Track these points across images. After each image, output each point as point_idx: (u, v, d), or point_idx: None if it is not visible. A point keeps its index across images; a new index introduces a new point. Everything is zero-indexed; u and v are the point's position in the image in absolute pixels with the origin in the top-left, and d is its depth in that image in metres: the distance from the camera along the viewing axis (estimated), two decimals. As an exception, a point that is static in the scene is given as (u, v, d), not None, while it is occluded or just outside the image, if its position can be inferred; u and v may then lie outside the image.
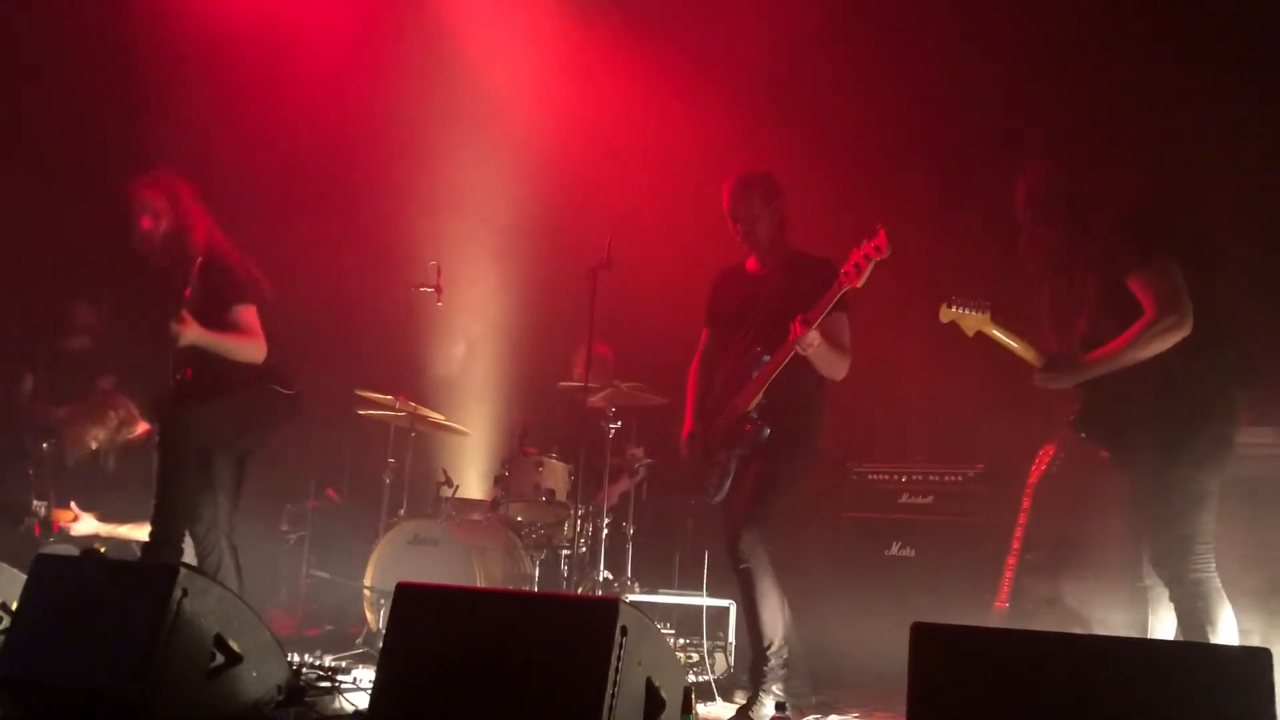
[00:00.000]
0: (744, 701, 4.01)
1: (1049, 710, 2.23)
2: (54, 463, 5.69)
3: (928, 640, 2.35)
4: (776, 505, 4.03)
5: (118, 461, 5.57)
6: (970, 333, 3.58)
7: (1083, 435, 3.72)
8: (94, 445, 5.51)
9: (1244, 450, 3.56)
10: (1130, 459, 3.56)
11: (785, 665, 3.96)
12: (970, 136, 5.52)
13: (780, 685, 3.91)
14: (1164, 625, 3.53)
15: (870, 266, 3.73)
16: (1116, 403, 3.52)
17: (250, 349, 4.15)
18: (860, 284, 3.77)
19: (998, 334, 3.56)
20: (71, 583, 3.29)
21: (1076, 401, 3.68)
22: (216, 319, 4.10)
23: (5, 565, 3.83)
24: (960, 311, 3.55)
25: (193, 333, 3.99)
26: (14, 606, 3.57)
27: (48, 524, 5.44)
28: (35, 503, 5.46)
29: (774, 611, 3.97)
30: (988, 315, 3.54)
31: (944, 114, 5.66)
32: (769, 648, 3.92)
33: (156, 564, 3.82)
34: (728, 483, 4.11)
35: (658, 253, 5.81)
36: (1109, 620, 4.04)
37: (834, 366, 4.03)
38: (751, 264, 4.31)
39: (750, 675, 4.01)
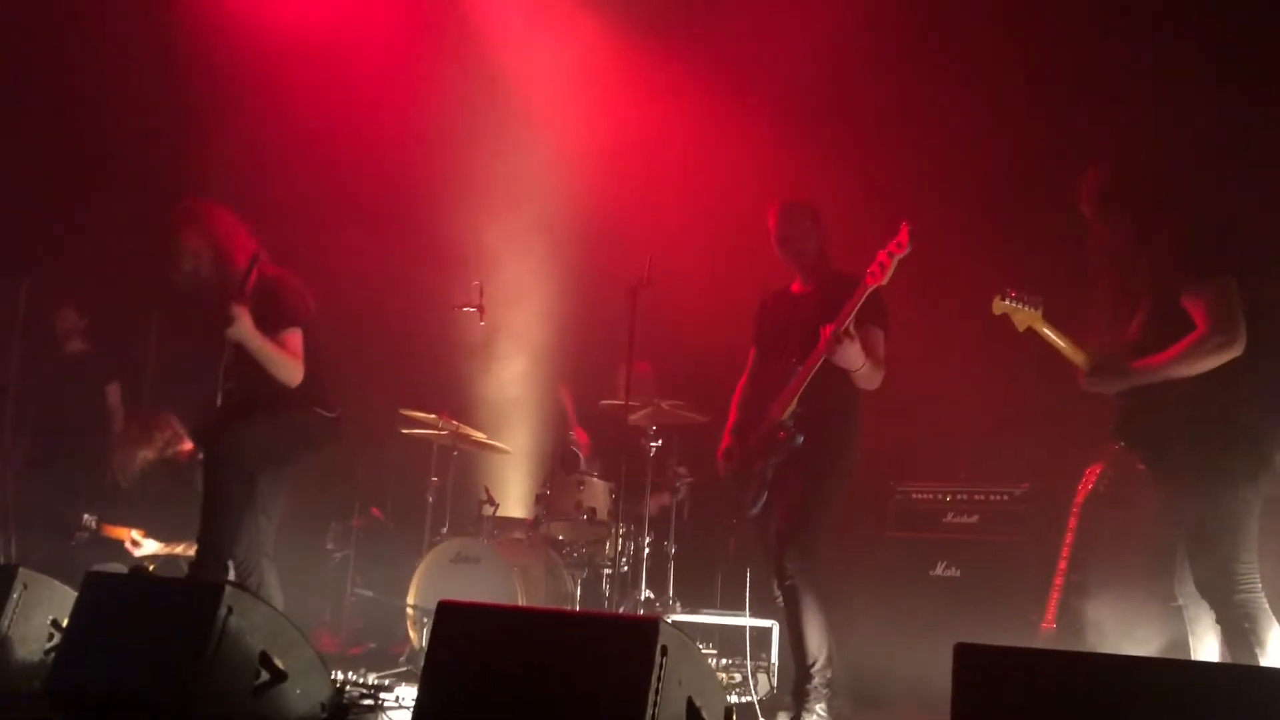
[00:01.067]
0: None
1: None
2: (103, 480, 5.80)
3: (972, 661, 2.31)
4: (820, 518, 4.02)
5: (166, 480, 5.66)
6: (1021, 328, 3.55)
7: (1121, 444, 3.67)
8: (148, 460, 5.61)
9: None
10: (1168, 474, 3.51)
11: (829, 685, 3.92)
12: (1017, 147, 5.46)
13: (824, 705, 3.88)
14: (1206, 647, 3.47)
15: (893, 264, 3.78)
16: (1158, 415, 3.46)
17: (290, 369, 4.18)
18: (884, 281, 3.81)
19: (1048, 332, 3.53)
20: (120, 600, 3.35)
21: (1115, 410, 3.62)
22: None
23: (56, 582, 3.91)
24: (1014, 305, 3.52)
25: (245, 327, 4.02)
26: (64, 622, 3.65)
27: (97, 539, 5.53)
28: (85, 517, 5.55)
29: (819, 629, 3.94)
30: (1040, 312, 3.51)
31: (991, 124, 5.60)
32: (813, 665, 3.90)
33: (203, 582, 3.87)
34: (765, 494, 4.12)
35: (699, 271, 5.82)
36: (1151, 643, 3.97)
37: (866, 374, 4.02)
38: (796, 285, 4.38)
39: (794, 694, 3.98)
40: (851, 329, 3.84)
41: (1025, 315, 3.53)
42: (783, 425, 4.05)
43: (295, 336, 4.21)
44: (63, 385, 6.33)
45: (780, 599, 4.13)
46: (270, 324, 4.16)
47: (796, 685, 3.95)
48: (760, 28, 6.22)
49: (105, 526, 5.59)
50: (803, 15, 5.96)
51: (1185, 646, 3.48)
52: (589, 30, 6.60)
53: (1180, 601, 3.49)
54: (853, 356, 3.88)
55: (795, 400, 4.02)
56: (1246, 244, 3.54)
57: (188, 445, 5.68)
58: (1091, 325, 3.58)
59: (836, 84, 5.94)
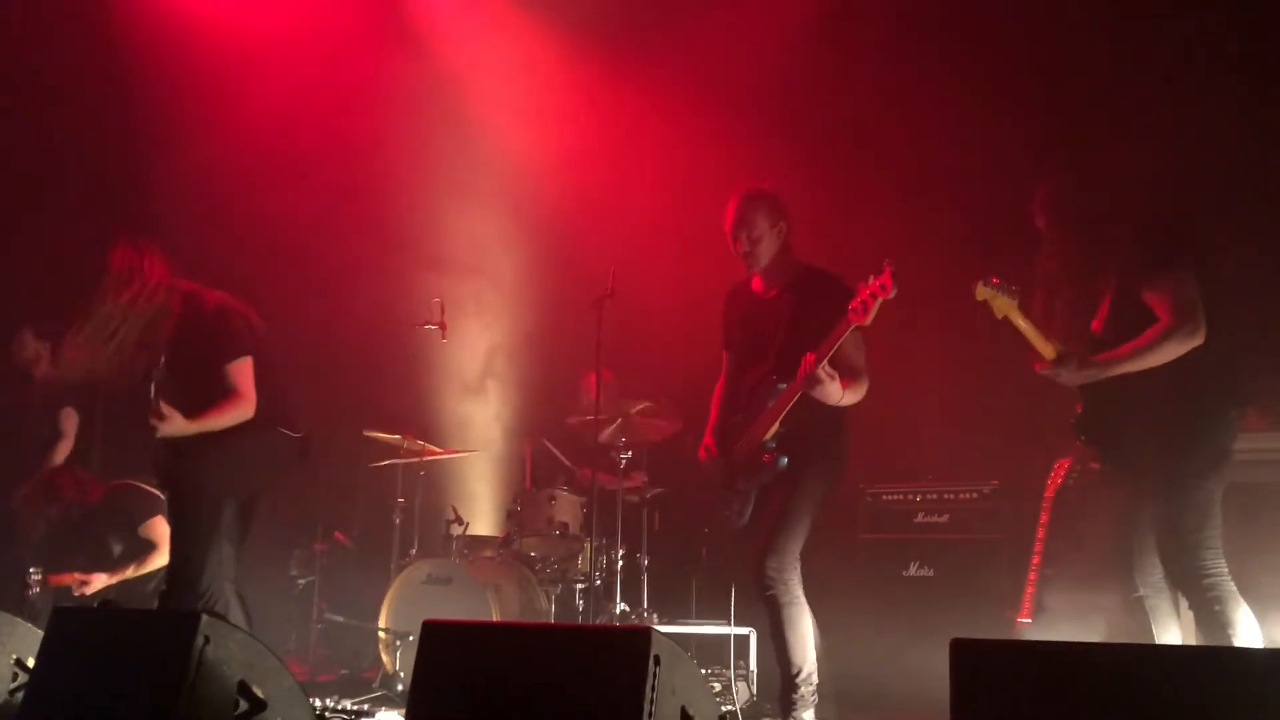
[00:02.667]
0: None
1: (1093, 722, 2.19)
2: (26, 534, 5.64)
3: (969, 657, 2.31)
4: (800, 529, 3.95)
5: (86, 520, 5.53)
6: (999, 315, 3.60)
7: (1081, 438, 3.78)
8: (49, 523, 5.49)
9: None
10: (1128, 467, 3.61)
11: (816, 693, 3.91)
12: (979, 150, 5.52)
13: (811, 713, 3.86)
14: (1169, 636, 3.56)
15: (876, 305, 3.65)
16: (1118, 409, 3.57)
17: (237, 413, 4.05)
18: (868, 322, 3.69)
19: (1022, 322, 3.59)
20: (91, 635, 3.24)
21: (1078, 404, 3.72)
22: (208, 379, 4.04)
23: (19, 620, 3.78)
24: (995, 291, 3.57)
25: (175, 426, 3.93)
26: (30, 662, 3.54)
27: (48, 590, 5.38)
28: (31, 571, 5.38)
29: (802, 637, 3.90)
30: (1016, 301, 3.57)
31: (953, 128, 5.65)
32: (797, 675, 3.86)
33: (177, 612, 3.77)
34: (749, 509, 4.06)
35: (661, 281, 5.81)
36: (1118, 635, 4.01)
37: (851, 397, 3.92)
38: (757, 284, 4.19)
39: (780, 703, 3.95)
40: (827, 369, 3.72)
41: (1004, 303, 3.58)
42: (765, 448, 3.96)
43: (243, 365, 4.07)
44: (31, 411, 6.14)
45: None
46: (212, 361, 4.05)
47: (782, 694, 3.93)
48: (722, 28, 6.23)
49: (50, 576, 5.45)
50: (765, 14, 5.99)
51: (1148, 635, 3.55)
52: (546, 38, 6.57)
53: (1141, 592, 3.57)
54: (831, 392, 3.78)
55: (778, 422, 3.92)
56: (1201, 238, 3.65)
57: (96, 489, 5.56)
58: (1049, 329, 3.64)
59: (803, 83, 5.97)
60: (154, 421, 3.89)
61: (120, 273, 4.09)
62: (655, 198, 6.25)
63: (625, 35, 6.39)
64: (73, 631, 3.25)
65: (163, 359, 4.04)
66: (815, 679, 3.90)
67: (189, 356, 4.07)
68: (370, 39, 6.63)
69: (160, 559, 5.26)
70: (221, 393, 4.04)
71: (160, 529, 5.20)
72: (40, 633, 3.42)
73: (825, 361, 3.73)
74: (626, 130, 6.35)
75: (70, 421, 6.12)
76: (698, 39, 6.28)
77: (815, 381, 3.74)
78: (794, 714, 3.84)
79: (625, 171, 6.36)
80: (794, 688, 3.87)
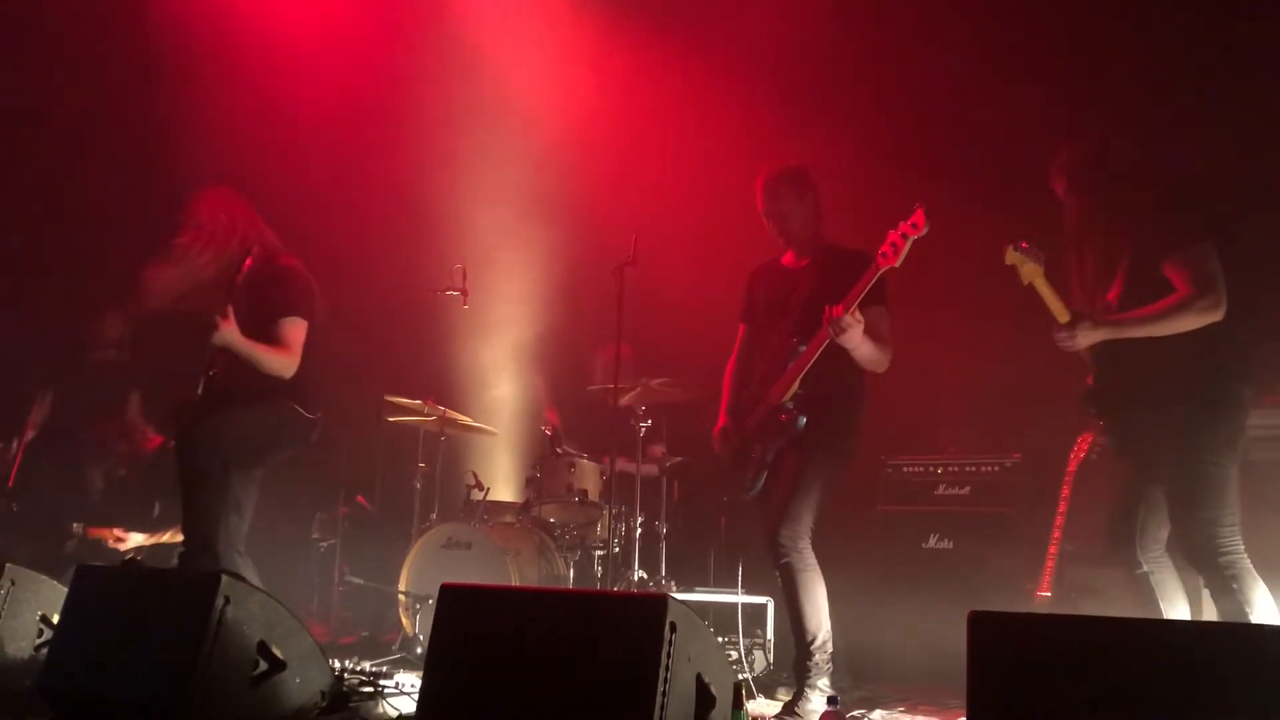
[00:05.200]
0: (788, 698, 3.97)
1: (1115, 696, 2.18)
2: (82, 485, 5.71)
3: (987, 629, 2.30)
4: (815, 498, 3.95)
5: (136, 476, 5.60)
6: (1025, 281, 3.56)
7: (1091, 411, 3.73)
8: (119, 473, 5.55)
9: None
10: (1138, 441, 3.56)
11: (830, 660, 3.91)
12: (1003, 118, 5.44)
13: (826, 680, 3.87)
14: (1177, 610, 3.52)
15: (908, 245, 3.68)
16: (1131, 382, 3.52)
17: (281, 364, 4.12)
18: (898, 263, 3.71)
19: (1044, 288, 3.54)
20: (112, 594, 3.28)
21: (1090, 376, 3.67)
22: (263, 327, 4.09)
23: (44, 577, 3.84)
24: (1024, 256, 3.52)
25: (230, 334, 3.97)
26: (54, 618, 3.59)
27: (85, 543, 5.45)
28: (74, 525, 5.47)
29: (817, 606, 3.91)
30: (1041, 268, 3.52)
31: (976, 96, 5.57)
32: (812, 642, 3.87)
33: (198, 572, 3.80)
34: (764, 476, 4.06)
35: (684, 249, 5.79)
36: (1129, 610, 3.98)
37: (873, 357, 3.94)
38: (788, 259, 4.24)
39: (795, 671, 3.96)
40: (857, 312, 3.74)
41: (1030, 269, 3.54)
42: (783, 408, 3.96)
43: (297, 327, 4.16)
44: (86, 392, 6.21)
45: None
46: (271, 311, 4.12)
47: (797, 661, 3.94)
48: (743, 3, 6.17)
49: (89, 530, 5.52)
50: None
51: (1156, 611, 3.51)
52: (571, 14, 6.52)
53: (1145, 568, 3.53)
54: (856, 339, 3.79)
55: (797, 382, 3.93)
56: (1222, 211, 3.59)
57: (154, 440, 5.62)
58: (1069, 297, 3.60)
59: (822, 54, 5.89)
60: (218, 320, 3.94)
61: (204, 217, 4.19)
62: (677, 164, 6.21)
63: (652, 5, 6.33)
64: (95, 590, 3.30)
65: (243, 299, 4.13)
66: (830, 646, 3.90)
67: (252, 302, 4.14)
68: (395, 10, 6.60)
69: None
70: (272, 341, 4.10)
71: None
72: (65, 590, 3.47)
73: (854, 307, 3.73)
74: (648, 97, 6.30)
75: (134, 406, 6.19)
76: (723, 14, 6.23)
77: (842, 328, 3.73)
78: (808, 680, 3.85)
79: (647, 138, 6.32)
80: (809, 654, 3.88)
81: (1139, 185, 3.55)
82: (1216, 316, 3.36)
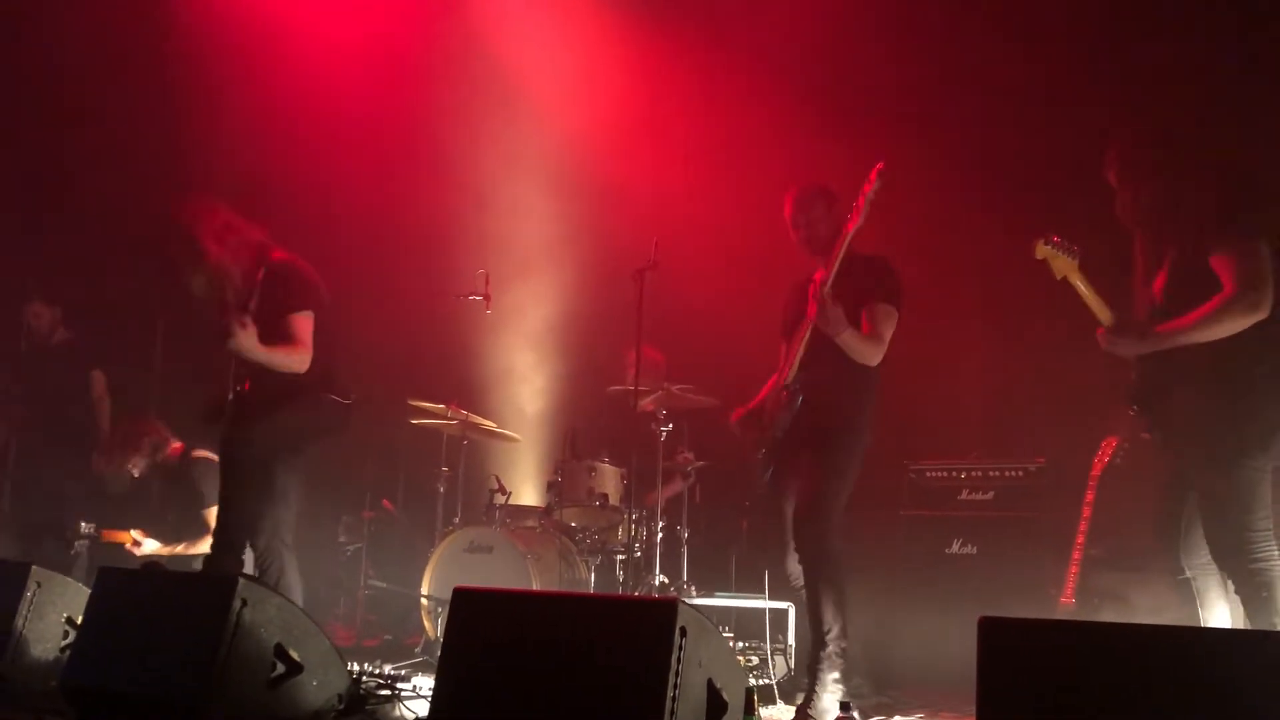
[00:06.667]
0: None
1: (1123, 704, 2.16)
2: (96, 487, 5.76)
3: (997, 635, 2.29)
4: (834, 492, 4.01)
5: (161, 481, 5.65)
6: (1058, 275, 3.52)
7: (1133, 407, 3.64)
8: (135, 473, 5.60)
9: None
10: (1177, 441, 3.48)
11: (843, 655, 3.91)
12: (1028, 123, 5.41)
13: (838, 674, 3.87)
14: (1217, 618, 3.45)
15: (866, 203, 3.84)
16: (1173, 378, 3.43)
17: (294, 360, 4.14)
18: (860, 221, 3.86)
19: (1080, 284, 3.50)
20: (134, 595, 3.33)
21: (1132, 372, 3.59)
22: (272, 326, 4.12)
23: (69, 579, 3.90)
24: (1055, 251, 3.49)
25: (248, 341, 3.99)
26: (79, 619, 3.64)
27: (98, 545, 5.49)
28: (83, 525, 5.49)
29: (835, 600, 3.94)
30: (1077, 263, 3.48)
31: (1001, 99, 5.54)
32: (828, 633, 3.91)
33: (216, 575, 3.85)
34: (772, 465, 4.17)
35: (706, 253, 5.77)
36: (1162, 616, 3.93)
37: (856, 346, 3.98)
38: (818, 273, 4.29)
39: (808, 665, 3.98)
40: (828, 292, 3.87)
41: (1064, 263, 3.50)
42: (785, 387, 4.11)
43: (304, 320, 4.17)
44: (58, 375, 6.29)
45: (797, 580, 4.12)
46: (280, 308, 4.14)
47: (811, 653, 3.96)
48: (764, 3, 6.15)
49: (105, 532, 5.56)
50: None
51: (1195, 620, 3.45)
52: (590, 11, 6.53)
53: (1188, 574, 3.46)
54: (833, 320, 3.87)
55: (797, 363, 4.08)
56: (1275, 207, 3.50)
57: (176, 445, 5.67)
58: (1127, 289, 3.55)
59: (843, 60, 5.87)
60: (233, 328, 3.94)
61: (212, 230, 4.21)
62: (701, 167, 6.21)
63: (674, 10, 6.33)
64: (117, 591, 3.34)
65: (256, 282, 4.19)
66: (844, 642, 3.93)
67: (257, 304, 4.17)
68: (415, 11, 6.64)
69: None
70: (282, 339, 4.13)
71: None
72: (88, 590, 3.52)
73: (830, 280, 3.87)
74: (672, 100, 6.30)
75: (100, 384, 6.26)
76: (745, 19, 6.22)
77: (821, 301, 3.85)
78: (820, 672, 3.87)
79: (671, 141, 6.31)
80: (823, 644, 3.91)
81: (1190, 174, 3.47)
82: (1260, 315, 3.27)
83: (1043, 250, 3.51)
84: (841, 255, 3.91)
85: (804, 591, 4.03)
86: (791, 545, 4.09)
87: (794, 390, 4.07)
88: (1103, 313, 3.49)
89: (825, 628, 3.92)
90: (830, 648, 3.89)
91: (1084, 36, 5.49)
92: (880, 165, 3.83)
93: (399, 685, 3.70)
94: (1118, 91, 5.23)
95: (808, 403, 4.04)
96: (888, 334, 4.04)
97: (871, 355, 4.03)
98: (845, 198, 4.31)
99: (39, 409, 6.23)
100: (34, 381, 6.26)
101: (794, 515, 4.04)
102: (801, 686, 4.47)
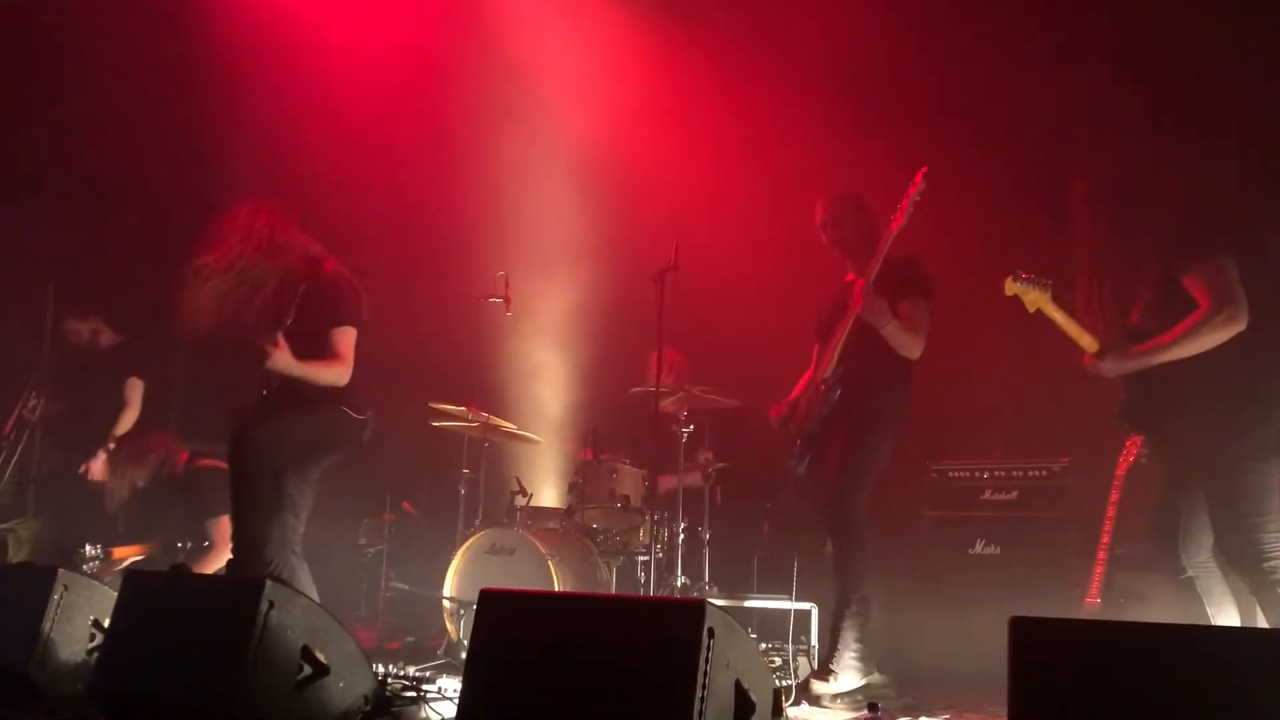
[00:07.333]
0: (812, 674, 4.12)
1: (1157, 704, 2.14)
2: (96, 504, 5.77)
3: (1028, 635, 2.28)
4: (865, 467, 4.19)
5: (167, 492, 5.66)
6: (1031, 308, 3.75)
7: (1125, 425, 3.81)
8: (139, 484, 5.62)
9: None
10: (1175, 452, 3.61)
11: (865, 618, 4.08)
12: (1051, 121, 5.43)
13: (859, 634, 4.02)
14: (1225, 615, 3.52)
15: (910, 205, 4.02)
16: (1164, 394, 3.56)
17: (335, 375, 4.17)
18: (904, 222, 4.05)
19: (1055, 314, 3.65)
20: (161, 598, 3.34)
21: (1122, 391, 3.71)
22: (314, 338, 4.14)
23: (96, 582, 3.92)
24: (1025, 286, 3.67)
25: (283, 360, 4.01)
26: (106, 623, 3.66)
27: (109, 564, 5.48)
28: (88, 549, 5.46)
29: (862, 566, 4.11)
30: (1048, 294, 3.65)
31: (1025, 98, 5.56)
32: (853, 592, 4.07)
33: (243, 578, 3.86)
34: (808, 458, 4.30)
35: (727, 255, 5.77)
36: (1175, 615, 3.93)
37: (900, 339, 4.17)
38: (850, 276, 4.51)
39: (830, 626, 4.14)
40: (872, 285, 4.06)
41: (1035, 296, 3.69)
42: (823, 380, 4.25)
43: (348, 336, 4.21)
44: (97, 378, 6.29)
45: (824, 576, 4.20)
46: (322, 322, 4.17)
47: (834, 613, 4.13)
48: (786, 3, 6.15)
49: (113, 551, 5.56)
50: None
51: (1204, 618, 3.50)
52: (608, 10, 6.54)
53: (1190, 573, 3.54)
54: (878, 312, 4.07)
55: (835, 357, 4.22)
56: (1241, 223, 3.64)
57: (183, 455, 5.69)
58: (1084, 317, 3.68)
59: (867, 61, 5.86)
60: (269, 349, 3.97)
61: (246, 230, 4.24)
62: (723, 168, 6.20)
63: (694, 8, 6.33)
64: (144, 594, 3.36)
65: (291, 315, 4.18)
66: (871, 605, 4.09)
67: (302, 313, 4.19)
68: (434, 13, 6.66)
69: (214, 563, 5.35)
70: (324, 353, 4.15)
71: (223, 530, 5.18)
72: (115, 594, 3.53)
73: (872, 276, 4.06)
74: (694, 100, 6.29)
75: (135, 391, 6.24)
76: (766, 19, 6.22)
77: (866, 294, 4.05)
78: (841, 631, 4.05)
79: (693, 141, 6.30)
80: (847, 603, 4.08)
81: (1157, 205, 3.63)
82: (1239, 327, 3.41)
83: (1012, 287, 3.70)
84: (884, 254, 4.08)
85: (834, 555, 4.20)
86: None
87: (832, 383, 4.20)
88: (1081, 338, 3.65)
89: (851, 590, 4.09)
90: (854, 606, 4.07)
91: (1103, 46, 5.49)
92: (925, 169, 4.00)
93: (424, 686, 3.71)
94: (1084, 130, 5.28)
95: (846, 394, 4.18)
96: (925, 327, 4.23)
97: (913, 347, 4.22)
98: (872, 198, 4.39)
99: (67, 410, 6.25)
100: (70, 384, 6.28)
101: (823, 486, 4.20)
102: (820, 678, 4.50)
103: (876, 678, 4.20)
